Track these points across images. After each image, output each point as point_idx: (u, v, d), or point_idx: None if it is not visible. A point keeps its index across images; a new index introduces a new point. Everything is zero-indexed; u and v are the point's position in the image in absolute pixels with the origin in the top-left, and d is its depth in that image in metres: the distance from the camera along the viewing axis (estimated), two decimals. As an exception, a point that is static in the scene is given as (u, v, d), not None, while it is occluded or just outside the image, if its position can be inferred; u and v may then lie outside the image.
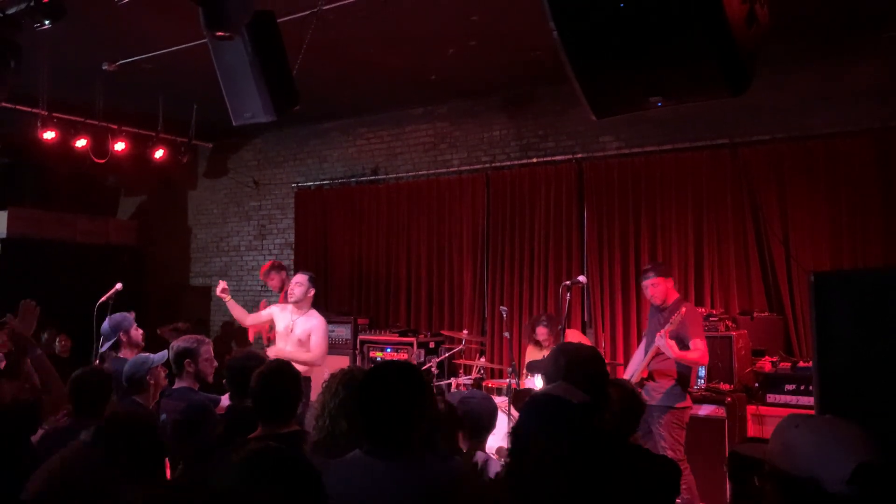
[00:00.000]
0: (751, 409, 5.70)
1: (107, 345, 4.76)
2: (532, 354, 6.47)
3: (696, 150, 6.89)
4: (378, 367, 2.44)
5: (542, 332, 6.31)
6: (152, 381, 3.98)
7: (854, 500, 1.59)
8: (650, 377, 5.10)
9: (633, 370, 5.33)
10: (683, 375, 5.09)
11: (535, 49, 6.39)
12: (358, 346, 7.99)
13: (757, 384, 5.80)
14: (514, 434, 2.16)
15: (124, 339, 4.71)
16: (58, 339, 8.19)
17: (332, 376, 2.78)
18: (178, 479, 3.41)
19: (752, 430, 5.64)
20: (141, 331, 4.91)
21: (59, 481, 2.58)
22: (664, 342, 4.90)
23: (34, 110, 7.87)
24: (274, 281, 7.78)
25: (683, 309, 5.06)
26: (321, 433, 2.64)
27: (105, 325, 4.81)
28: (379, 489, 2.17)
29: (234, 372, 3.67)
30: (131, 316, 4.90)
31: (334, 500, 1.82)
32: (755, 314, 6.36)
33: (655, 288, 5.22)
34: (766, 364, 5.88)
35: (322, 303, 8.94)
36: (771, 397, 5.66)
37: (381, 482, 2.17)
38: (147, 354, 4.09)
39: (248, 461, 1.60)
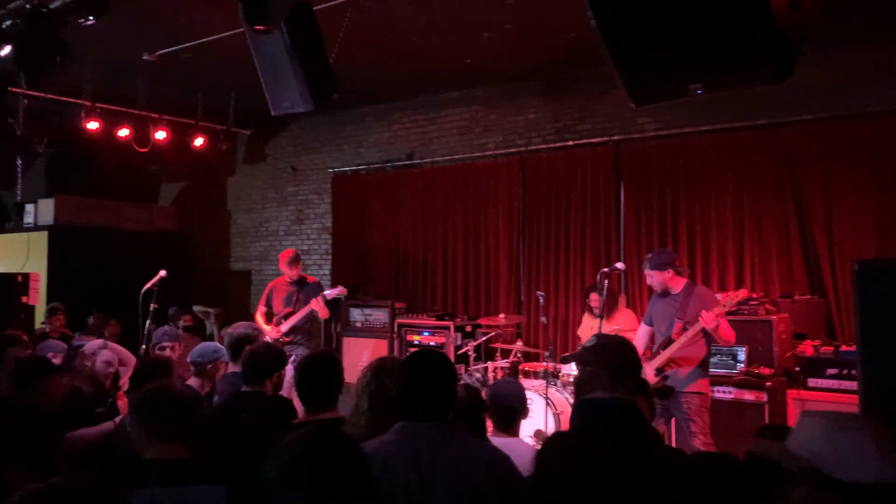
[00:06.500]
0: (792, 393, 5.62)
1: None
2: (586, 322, 6.66)
3: (736, 130, 6.77)
4: (421, 351, 2.73)
5: (594, 298, 6.44)
6: (212, 371, 4.22)
7: None
8: (673, 363, 5.06)
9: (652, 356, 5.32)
10: (705, 361, 5.07)
11: (571, 31, 6.33)
12: (395, 330, 8.08)
13: (798, 368, 5.72)
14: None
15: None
16: (108, 325, 8.40)
17: (368, 365, 2.90)
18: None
19: (792, 416, 5.59)
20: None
21: None
22: (716, 321, 4.81)
23: (79, 101, 8.08)
24: (295, 271, 7.14)
25: (736, 294, 5.06)
26: (350, 411, 2.85)
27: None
28: (427, 446, 2.37)
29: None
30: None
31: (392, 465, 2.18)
32: (796, 297, 6.25)
33: (652, 279, 5.24)
34: (807, 348, 5.79)
35: (360, 287, 9.06)
36: (813, 381, 5.57)
37: (428, 439, 2.39)
38: (220, 346, 4.25)
39: (292, 448, 1.72)
